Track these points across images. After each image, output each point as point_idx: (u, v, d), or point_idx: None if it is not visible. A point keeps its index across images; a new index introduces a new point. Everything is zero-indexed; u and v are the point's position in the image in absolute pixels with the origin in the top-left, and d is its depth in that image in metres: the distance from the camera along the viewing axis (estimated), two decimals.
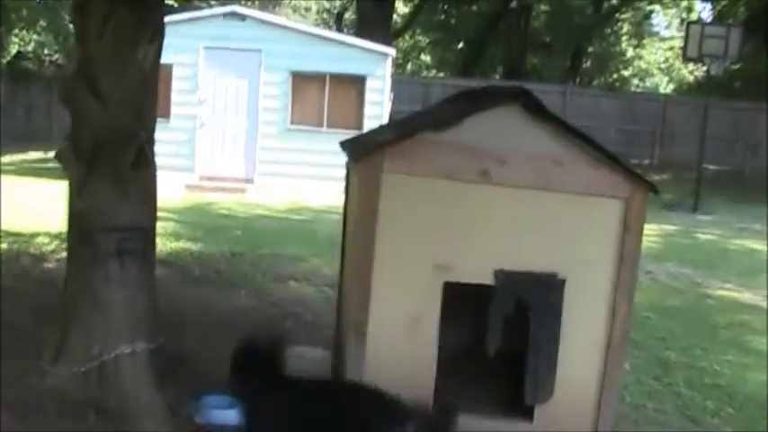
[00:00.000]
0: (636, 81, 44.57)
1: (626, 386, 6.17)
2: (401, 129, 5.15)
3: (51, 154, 20.39)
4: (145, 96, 5.43)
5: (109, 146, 5.26)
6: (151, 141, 5.52)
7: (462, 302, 5.24)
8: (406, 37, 40.41)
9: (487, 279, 4.86)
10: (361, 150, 5.01)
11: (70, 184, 5.54)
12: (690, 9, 39.23)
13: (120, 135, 5.28)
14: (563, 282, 4.89)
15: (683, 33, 33.42)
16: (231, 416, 5.22)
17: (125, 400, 5.26)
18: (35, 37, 30.81)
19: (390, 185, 4.71)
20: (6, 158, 21.59)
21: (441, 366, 4.92)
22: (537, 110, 4.82)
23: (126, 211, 5.34)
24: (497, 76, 37.54)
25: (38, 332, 6.40)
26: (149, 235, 5.58)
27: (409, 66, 41.93)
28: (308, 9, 42.39)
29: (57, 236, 10.72)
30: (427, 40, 42.84)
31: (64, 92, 5.45)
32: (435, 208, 4.81)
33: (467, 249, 4.86)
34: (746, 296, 10.75)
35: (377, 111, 17.60)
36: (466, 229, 4.85)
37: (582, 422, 5.03)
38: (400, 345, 4.85)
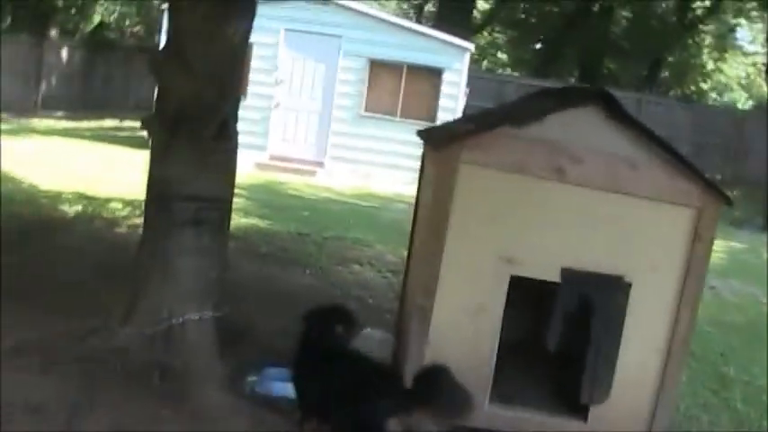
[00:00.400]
0: (714, 95, 43.81)
1: (681, 397, 6.14)
2: (481, 121, 5.20)
3: (126, 123, 20.93)
4: (231, 72, 5.57)
5: (192, 117, 5.40)
6: (234, 116, 5.65)
7: (526, 297, 5.30)
8: (484, 33, 40.24)
9: (554, 276, 4.91)
10: (441, 140, 5.08)
11: (151, 152, 5.69)
12: None
13: (205, 107, 5.41)
14: (629, 285, 4.92)
15: (767, 49, 32.89)
16: (291, 388, 5.35)
17: (188, 364, 5.40)
18: (118, 8, 31.31)
19: (466, 176, 4.78)
20: (83, 125, 22.07)
21: (500, 358, 4.98)
22: (617, 112, 4.84)
23: (204, 181, 5.47)
24: (572, 79, 37.21)
25: (107, 293, 6.61)
26: (225, 206, 5.72)
27: (485, 63, 41.78)
28: None
29: (129, 202, 11.00)
30: (504, 38, 42.63)
31: (153, 63, 5.60)
32: (508, 201, 4.86)
33: (535, 245, 4.91)
34: None
35: (451, 104, 17.59)
36: (536, 225, 4.90)
37: (636, 426, 5.05)
38: (463, 332, 4.92)
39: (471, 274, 4.91)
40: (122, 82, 28.68)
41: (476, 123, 5.14)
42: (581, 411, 5.05)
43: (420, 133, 6.39)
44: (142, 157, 15.96)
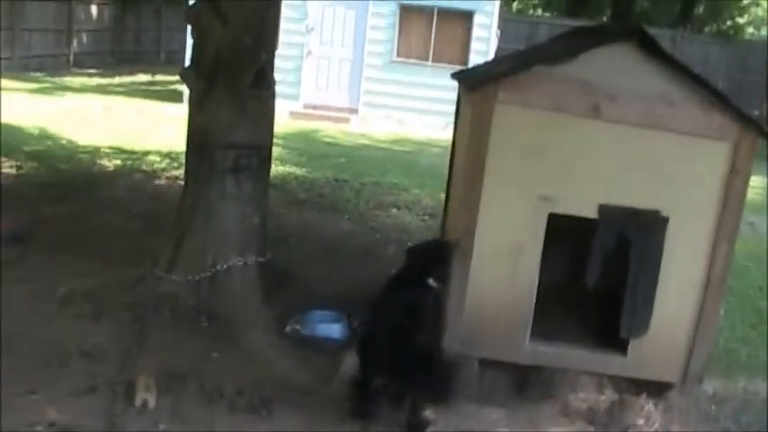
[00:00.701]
0: (751, 29, 43.08)
1: (720, 331, 6.18)
2: (516, 61, 5.22)
3: (158, 77, 20.99)
4: (267, 20, 5.63)
5: (230, 64, 5.49)
6: (271, 63, 5.72)
7: (565, 237, 5.35)
8: None
9: (591, 212, 4.95)
10: (476, 81, 5.11)
11: (190, 102, 5.77)
12: None
13: (241, 55, 5.49)
14: (666, 220, 4.95)
15: None
16: (335, 330, 5.50)
17: (235, 308, 5.56)
18: None
19: (502, 116, 4.82)
20: (116, 80, 22.21)
21: (540, 296, 5.05)
22: (652, 49, 4.84)
23: (244, 128, 5.57)
24: (605, 18, 36.75)
25: (150, 242, 6.77)
26: (265, 153, 5.82)
27: (515, 3, 41.34)
28: None
29: (167, 155, 11.15)
30: None
31: (190, 13, 5.65)
32: (544, 140, 4.89)
33: (572, 182, 4.95)
34: None
35: (483, 47, 17.48)
36: (573, 163, 4.93)
37: (675, 359, 5.12)
38: (502, 271, 4.99)
39: (510, 213, 4.96)
40: (153, 36, 28.78)
41: (510, 63, 5.16)
42: (621, 346, 5.12)
43: (455, 75, 6.43)
44: (176, 111, 16.25)
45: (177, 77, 21.21)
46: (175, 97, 18.14)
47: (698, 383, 5.19)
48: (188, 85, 5.72)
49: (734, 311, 6.98)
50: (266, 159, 5.87)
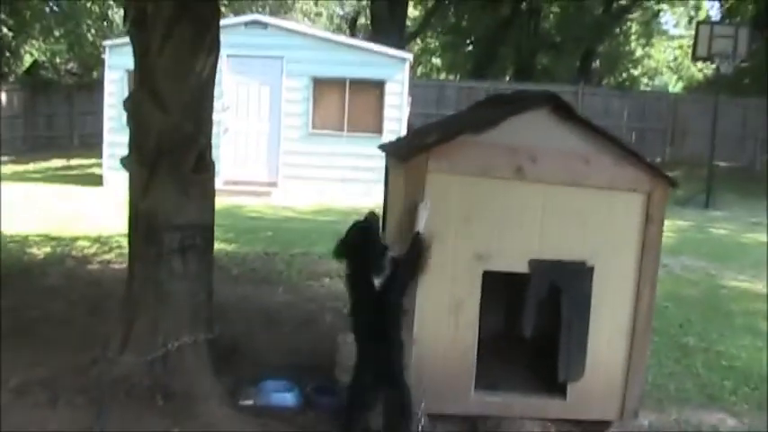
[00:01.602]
0: (645, 80, 44.85)
1: (648, 368, 6.56)
2: (443, 131, 5.58)
3: (74, 161, 20.88)
4: (203, 104, 5.89)
5: (171, 151, 5.71)
6: (209, 145, 5.98)
7: (499, 293, 5.70)
8: (417, 40, 40.78)
9: (523, 267, 5.32)
10: (407, 152, 5.45)
11: (132, 189, 5.97)
12: (698, 7, 39.49)
13: (182, 141, 5.73)
14: (592, 269, 5.36)
15: (691, 32, 33.80)
16: (290, 398, 5.72)
17: (189, 384, 5.69)
18: (50, 46, 31.20)
19: (434, 184, 5.17)
20: (31, 166, 22.10)
21: (481, 348, 5.37)
22: (566, 112, 5.28)
23: (188, 210, 5.78)
24: (508, 78, 37.89)
25: (94, 327, 6.91)
26: (209, 232, 6.02)
27: (420, 69, 42.31)
28: (318, 14, 42.81)
29: (96, 239, 11.24)
30: (437, 43, 43.23)
31: (128, 103, 5.88)
32: (475, 203, 5.26)
33: (504, 240, 5.31)
34: (759, 287, 11.15)
35: (396, 114, 18.04)
36: (503, 222, 5.30)
37: (611, 398, 5.49)
38: (444, 327, 5.30)
39: (447, 274, 5.29)
40: (65, 120, 28.66)
41: (438, 134, 5.52)
42: (560, 390, 5.46)
43: (382, 147, 6.78)
44: (97, 194, 16.22)
45: (93, 161, 21.27)
46: (94, 181, 18.20)
47: (634, 418, 5.57)
48: (130, 172, 5.91)
49: (659, 349, 7.40)
50: (210, 239, 6.07)
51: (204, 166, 5.88)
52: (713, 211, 19.32)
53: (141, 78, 5.83)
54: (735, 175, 24.93)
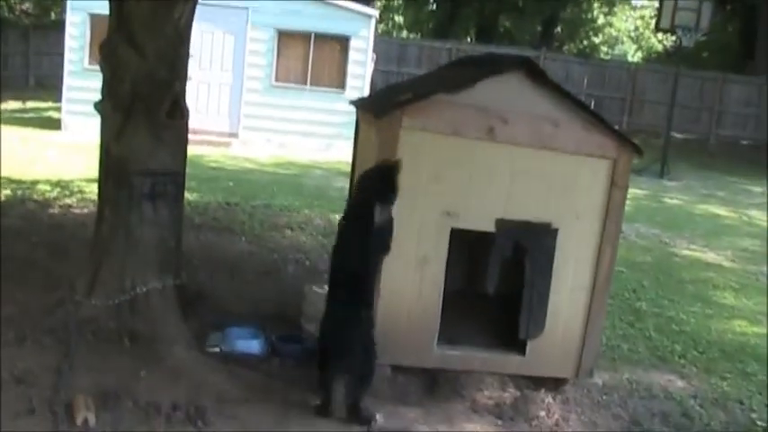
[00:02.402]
0: (605, 48, 45.12)
1: (603, 330, 6.78)
2: (417, 90, 5.67)
3: (30, 104, 20.54)
4: (180, 52, 5.92)
5: (146, 96, 5.74)
6: (184, 93, 6.00)
7: (465, 250, 5.84)
8: None
9: (489, 226, 5.45)
10: (382, 109, 5.53)
11: (105, 133, 5.98)
12: None
13: (157, 86, 5.75)
14: (556, 230, 5.52)
15: (654, 2, 34.04)
16: (255, 345, 5.82)
17: (156, 329, 5.78)
18: None
19: (407, 141, 5.27)
20: None
21: (444, 304, 5.51)
22: (539, 77, 5.40)
23: (160, 157, 5.83)
24: (469, 39, 37.91)
25: (57, 269, 6.93)
26: (180, 180, 6.08)
27: (381, 26, 42.15)
28: None
29: (56, 183, 11.19)
30: (400, 1, 43.07)
31: (104, 48, 5.87)
32: (446, 161, 5.37)
33: (472, 199, 5.44)
34: (710, 256, 11.50)
35: (360, 70, 18.02)
36: (472, 181, 5.42)
37: (568, 356, 5.68)
38: (410, 282, 5.43)
39: (415, 229, 5.41)
40: (21, 61, 28.16)
41: (412, 92, 5.60)
42: (520, 346, 5.64)
43: (353, 102, 6.86)
44: (55, 138, 16.06)
45: (49, 104, 20.99)
46: (52, 125, 18.01)
47: (589, 377, 5.78)
48: (103, 116, 5.92)
49: (613, 312, 7.62)
50: (181, 185, 6.13)
51: (178, 112, 5.92)
52: (668, 181, 19.64)
53: (117, 23, 5.82)
54: (690, 147, 25.38)
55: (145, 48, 5.69)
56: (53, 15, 29.88)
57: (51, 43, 24.58)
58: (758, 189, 19.97)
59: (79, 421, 4.56)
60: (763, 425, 5.78)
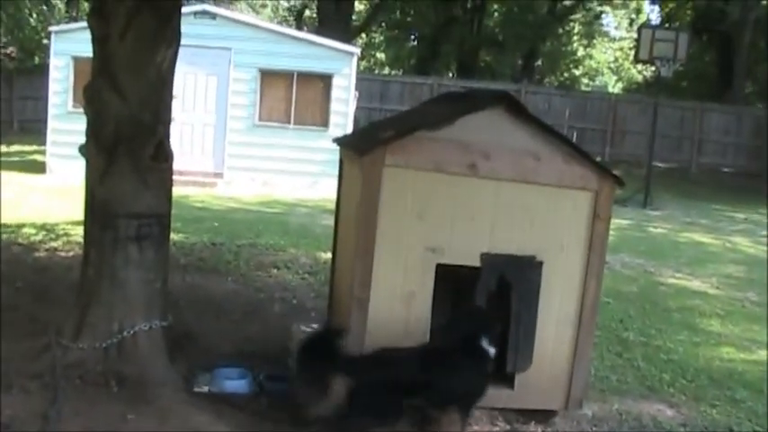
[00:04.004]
0: (586, 80, 45.57)
1: (591, 361, 6.79)
2: (399, 127, 5.71)
3: (15, 147, 20.52)
4: (163, 95, 5.96)
5: (130, 139, 5.77)
6: (167, 136, 6.04)
7: (450, 286, 5.86)
8: (362, 34, 40.90)
9: (474, 261, 5.48)
10: (365, 146, 5.57)
11: (90, 176, 6.00)
12: (639, 10, 40.29)
13: (141, 130, 5.79)
14: (541, 263, 5.55)
15: (632, 34, 34.47)
16: (242, 385, 5.81)
17: (143, 371, 5.76)
18: None
19: (390, 178, 5.31)
20: None
21: (431, 339, 5.51)
22: (518, 112, 5.46)
23: (145, 199, 5.85)
24: (451, 74, 38.22)
25: (43, 314, 6.91)
26: (165, 221, 6.09)
27: (363, 63, 42.45)
28: (263, 5, 42.69)
29: (42, 227, 11.16)
30: (382, 38, 43.42)
31: (88, 91, 5.91)
32: (429, 197, 5.40)
33: (456, 234, 5.47)
34: (695, 283, 11.55)
35: (342, 108, 18.14)
36: (456, 217, 5.46)
37: (557, 388, 5.68)
38: (397, 318, 5.44)
39: (401, 265, 5.43)
40: (5, 105, 28.18)
41: (394, 129, 5.65)
42: (508, 380, 5.64)
43: (337, 140, 6.90)
44: (40, 182, 16.05)
45: (34, 148, 20.98)
46: (37, 168, 18.00)
47: (579, 408, 5.79)
48: (87, 159, 5.94)
49: (601, 343, 7.64)
50: (166, 227, 6.13)
51: (163, 155, 5.94)
52: (651, 210, 19.77)
53: (100, 66, 5.86)
54: (672, 176, 25.57)
55: (128, 91, 5.73)
56: (37, 59, 29.91)
57: (35, 87, 24.62)
58: (740, 216, 20.13)
59: None
60: None
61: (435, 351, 5.17)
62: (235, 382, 5.83)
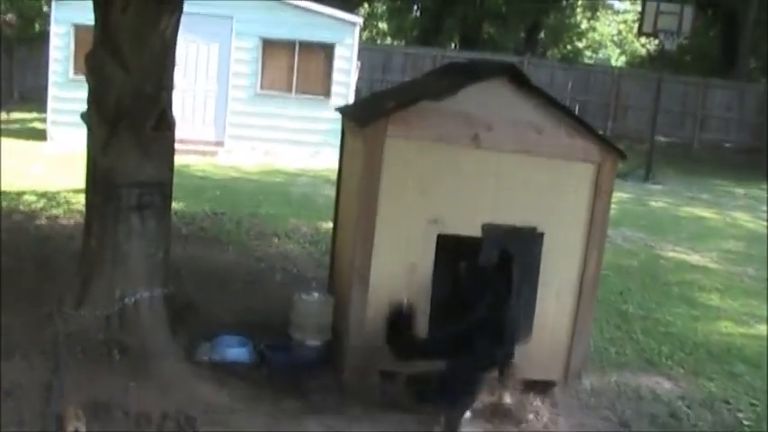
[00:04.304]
0: (589, 53, 45.34)
1: (590, 334, 6.82)
2: (402, 98, 5.70)
3: (14, 115, 20.40)
4: (165, 64, 5.93)
5: (132, 109, 5.76)
6: (170, 104, 6.02)
7: (451, 256, 5.86)
8: (365, 4, 40.68)
9: (476, 232, 5.48)
10: (368, 117, 5.56)
11: (92, 145, 6.00)
12: None
13: (143, 100, 5.77)
14: (542, 235, 5.56)
15: (636, 6, 34.25)
16: (244, 353, 5.85)
17: (145, 340, 5.79)
18: None
19: (393, 148, 5.31)
20: None
21: (432, 309, 5.54)
22: (522, 83, 5.45)
23: (147, 168, 5.84)
24: (453, 45, 38.04)
25: (45, 281, 6.92)
26: (167, 191, 6.09)
27: (365, 33, 42.24)
28: None
29: (42, 194, 11.17)
30: (384, 8, 43.16)
31: (89, 60, 5.88)
32: (431, 168, 5.41)
33: (458, 205, 5.48)
34: (695, 258, 11.57)
35: (344, 78, 18.06)
36: (458, 188, 5.46)
37: (557, 360, 5.72)
38: (398, 289, 5.45)
39: (402, 236, 5.45)
40: (5, 74, 28.02)
41: (397, 100, 5.64)
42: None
43: (339, 109, 6.89)
44: (40, 149, 16.01)
45: (34, 116, 20.92)
46: (37, 135, 17.95)
47: (577, 380, 5.82)
48: (89, 128, 5.94)
49: (600, 316, 7.65)
50: (168, 196, 6.14)
51: (165, 125, 5.94)
52: (652, 185, 19.74)
53: (102, 36, 5.83)
54: (674, 151, 25.54)
55: (130, 62, 5.71)
56: (37, 27, 29.72)
57: (35, 55, 24.51)
58: (741, 191, 20.11)
59: None
60: (750, 424, 5.82)
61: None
62: (236, 350, 5.87)
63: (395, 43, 40.02)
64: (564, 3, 38.77)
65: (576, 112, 24.40)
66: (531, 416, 5.41)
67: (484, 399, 5.49)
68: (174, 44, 6.04)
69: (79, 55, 16.32)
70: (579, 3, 40.66)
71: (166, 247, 6.20)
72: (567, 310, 5.69)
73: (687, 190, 19.48)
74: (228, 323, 6.49)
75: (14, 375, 5.28)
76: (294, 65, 18.01)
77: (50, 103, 17.69)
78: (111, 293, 5.86)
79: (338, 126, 6.93)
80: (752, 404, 6.21)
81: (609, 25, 44.76)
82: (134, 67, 5.72)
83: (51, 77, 17.73)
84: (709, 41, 35.68)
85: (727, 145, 27.59)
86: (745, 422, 5.87)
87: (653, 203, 16.91)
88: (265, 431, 4.88)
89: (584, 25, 42.48)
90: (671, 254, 11.68)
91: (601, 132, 5.96)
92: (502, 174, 5.50)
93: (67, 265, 7.15)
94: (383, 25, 44.94)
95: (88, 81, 6.00)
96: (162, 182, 5.99)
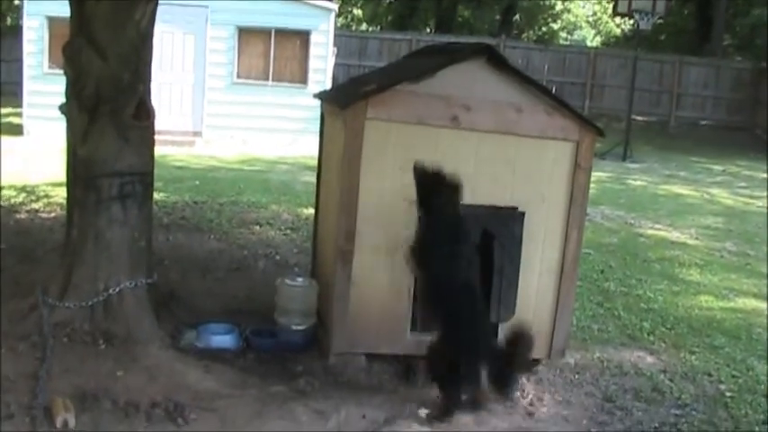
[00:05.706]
0: (564, 34, 45.43)
1: (573, 311, 6.89)
2: (381, 80, 5.72)
3: None
4: (142, 53, 5.92)
5: (111, 98, 5.74)
6: (148, 93, 6.02)
7: None
8: None
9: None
10: (347, 100, 5.58)
11: (71, 135, 5.98)
12: None
13: (121, 88, 5.76)
14: (523, 214, 5.60)
15: None
16: (229, 340, 5.87)
17: (130, 329, 5.80)
18: None
19: (373, 131, 5.33)
20: None
21: (416, 290, 5.56)
22: (500, 63, 5.47)
23: (127, 157, 5.84)
24: (429, 29, 38.03)
25: (29, 275, 6.90)
26: (148, 179, 6.09)
27: (340, 19, 42.14)
28: None
29: (22, 188, 11.12)
30: None
31: (67, 50, 5.86)
32: (412, 150, 5.40)
33: None
34: (674, 234, 11.69)
35: (321, 64, 18.09)
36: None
37: (540, 338, 5.72)
38: (381, 270, 5.50)
39: (384, 218, 5.47)
40: None
41: (376, 82, 5.65)
42: (492, 330, 5.69)
43: (318, 95, 6.89)
44: (17, 144, 15.92)
45: (9, 110, 20.80)
46: (13, 130, 17.85)
47: (561, 357, 5.88)
48: (68, 119, 5.92)
49: (582, 293, 7.74)
50: (149, 185, 6.13)
51: (145, 113, 5.93)
52: (630, 163, 19.88)
53: (79, 25, 5.81)
54: (651, 129, 25.72)
55: (108, 50, 5.69)
56: (9, 21, 29.53)
57: (9, 49, 24.30)
58: (718, 168, 20.28)
59: (58, 423, 4.56)
60: (732, 396, 5.90)
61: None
62: (221, 337, 5.89)
63: (370, 29, 39.95)
64: None
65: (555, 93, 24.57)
66: (516, 393, 5.44)
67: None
68: (151, 33, 6.03)
69: (54, 48, 16.29)
70: None
71: (149, 236, 6.21)
72: (549, 288, 5.74)
73: (665, 168, 19.63)
74: (213, 310, 6.51)
75: (2, 369, 5.25)
76: (270, 52, 18.03)
77: (26, 98, 17.62)
78: (94, 283, 5.85)
79: (316, 113, 6.94)
80: (733, 376, 6.29)
81: (583, 6, 44.83)
82: (111, 55, 5.70)
83: (26, 71, 17.65)
84: (683, 19, 35.85)
85: (704, 122, 27.78)
86: (727, 393, 5.94)
87: (631, 182, 17.04)
88: (253, 415, 4.89)
89: (558, 6, 42.55)
90: (650, 231, 11.79)
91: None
92: (481, 154, 5.53)
93: (50, 257, 7.17)
94: (358, 11, 44.84)
95: (66, 71, 5.98)
96: (142, 171, 5.99)
